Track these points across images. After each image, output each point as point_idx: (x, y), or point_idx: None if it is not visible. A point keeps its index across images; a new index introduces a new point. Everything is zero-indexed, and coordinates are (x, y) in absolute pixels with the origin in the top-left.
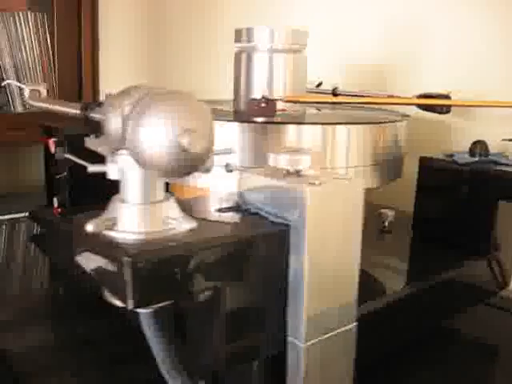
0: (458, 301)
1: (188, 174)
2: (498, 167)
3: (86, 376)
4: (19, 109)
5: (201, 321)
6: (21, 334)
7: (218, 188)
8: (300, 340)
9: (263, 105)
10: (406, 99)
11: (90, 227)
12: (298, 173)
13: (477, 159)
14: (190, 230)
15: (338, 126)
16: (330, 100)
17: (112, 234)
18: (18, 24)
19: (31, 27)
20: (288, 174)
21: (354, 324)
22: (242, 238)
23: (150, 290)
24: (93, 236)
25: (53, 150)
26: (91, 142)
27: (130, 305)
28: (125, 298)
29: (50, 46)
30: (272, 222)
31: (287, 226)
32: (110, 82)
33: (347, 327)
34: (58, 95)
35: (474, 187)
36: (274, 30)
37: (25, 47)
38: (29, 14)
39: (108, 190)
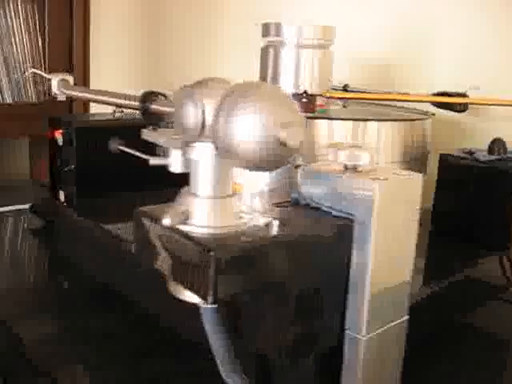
0: (476, 296)
1: (278, 167)
2: None
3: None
4: (9, 100)
5: (266, 314)
6: (36, 327)
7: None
8: (360, 333)
9: (304, 100)
10: (447, 98)
11: (166, 221)
12: (355, 168)
13: (498, 157)
14: (266, 225)
15: (382, 123)
16: (369, 96)
17: (187, 228)
18: (8, 15)
19: (22, 19)
20: (346, 169)
21: (407, 316)
22: (316, 233)
23: (229, 285)
24: (167, 230)
25: (61, 141)
26: (149, 134)
27: (210, 299)
28: (206, 292)
29: (40, 38)
30: (335, 216)
31: (352, 220)
32: (101, 75)
33: (401, 319)
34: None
35: (495, 184)
36: (303, 26)
37: (15, 39)
38: (19, 5)
39: (116, 183)
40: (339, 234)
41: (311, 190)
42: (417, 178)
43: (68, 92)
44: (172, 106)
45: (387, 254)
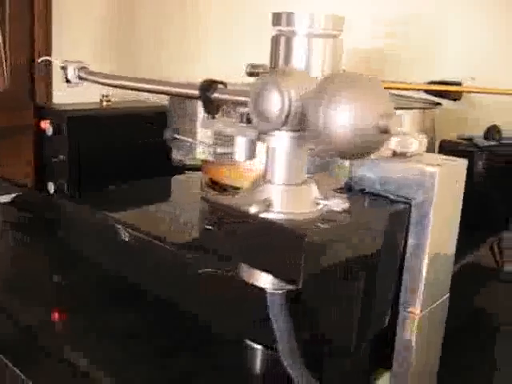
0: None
1: (369, 154)
2: None
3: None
4: None
5: (333, 297)
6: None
7: None
8: (415, 311)
9: None
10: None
11: (253, 209)
12: (404, 154)
13: (496, 143)
14: (344, 211)
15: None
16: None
17: (271, 215)
18: None
19: None
20: (395, 154)
21: (448, 294)
22: (387, 216)
23: (316, 270)
24: (250, 218)
25: (50, 132)
26: (210, 124)
27: (299, 284)
28: (296, 276)
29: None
30: (393, 200)
31: (410, 204)
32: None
33: (445, 297)
34: (8, 73)
35: (495, 169)
36: (314, 15)
37: None
38: None
39: (108, 173)
40: (399, 218)
41: (367, 176)
42: (462, 164)
43: (94, 79)
44: (238, 95)
45: (440, 235)
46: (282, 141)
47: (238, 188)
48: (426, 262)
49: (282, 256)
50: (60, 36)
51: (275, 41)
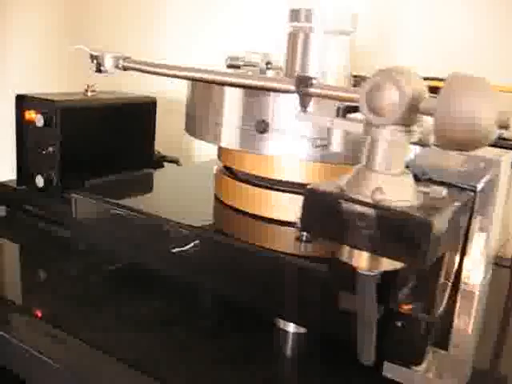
0: None
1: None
2: None
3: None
4: None
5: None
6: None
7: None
8: (476, 283)
9: None
10: None
11: (378, 196)
12: None
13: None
14: (444, 198)
15: None
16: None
17: (387, 203)
18: None
19: None
20: None
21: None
22: (465, 202)
23: (437, 253)
24: (365, 207)
25: (41, 123)
26: (307, 118)
27: (428, 262)
28: (424, 261)
29: None
30: (460, 188)
31: (475, 191)
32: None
33: (490, 272)
34: None
35: None
36: (331, 11)
37: None
38: None
39: (99, 165)
40: (468, 204)
41: (435, 165)
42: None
43: (143, 68)
44: (336, 90)
45: (499, 219)
46: (391, 134)
47: (260, 177)
48: (490, 244)
49: (409, 242)
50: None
51: (292, 38)
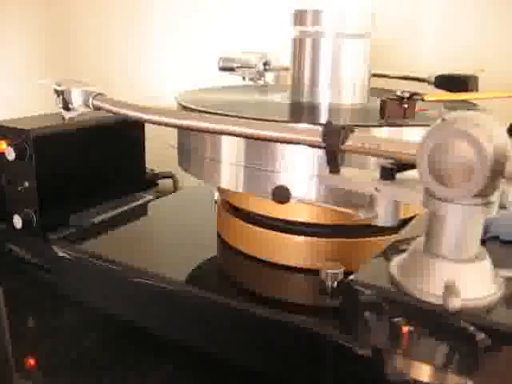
0: None
1: None
2: None
3: None
4: None
5: None
6: None
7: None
8: None
9: (406, 106)
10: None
11: (455, 304)
12: None
13: None
14: None
15: None
16: (463, 96)
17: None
18: None
19: None
20: None
21: None
22: None
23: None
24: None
25: (12, 156)
26: (336, 180)
27: None
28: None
29: None
30: None
31: None
32: None
33: None
34: None
35: None
36: (343, 13)
37: None
38: None
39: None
40: None
41: (499, 223)
42: None
43: (115, 110)
44: (378, 143)
45: None
46: (466, 211)
47: (262, 215)
48: None
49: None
50: None
51: (298, 43)
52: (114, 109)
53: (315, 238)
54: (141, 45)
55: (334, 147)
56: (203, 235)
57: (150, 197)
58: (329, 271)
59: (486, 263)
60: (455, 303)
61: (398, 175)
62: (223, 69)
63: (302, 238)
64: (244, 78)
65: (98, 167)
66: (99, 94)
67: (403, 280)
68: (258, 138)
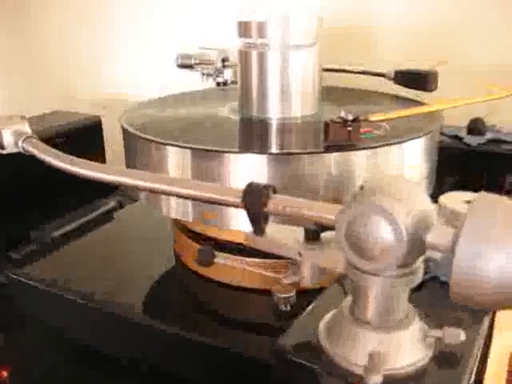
0: None
1: None
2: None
3: None
4: None
5: None
6: None
7: None
8: None
9: (349, 128)
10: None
11: (376, 381)
12: None
13: (487, 137)
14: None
15: None
16: (410, 112)
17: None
18: None
19: None
20: None
21: None
22: None
23: None
24: None
25: None
26: (260, 242)
27: None
28: None
29: None
30: None
31: None
32: None
33: None
34: None
35: (486, 167)
36: (288, 24)
37: None
38: None
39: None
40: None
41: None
42: None
43: (42, 157)
44: (299, 207)
45: None
46: (387, 283)
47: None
48: None
49: None
50: None
51: (244, 55)
52: (42, 156)
53: (268, 260)
54: (101, 45)
55: (255, 209)
56: (163, 254)
57: (113, 203)
58: (280, 295)
59: (415, 327)
60: (376, 380)
61: (325, 234)
62: (182, 66)
63: (256, 260)
64: (203, 75)
65: (55, 178)
66: (29, 136)
67: (329, 346)
68: (180, 197)
